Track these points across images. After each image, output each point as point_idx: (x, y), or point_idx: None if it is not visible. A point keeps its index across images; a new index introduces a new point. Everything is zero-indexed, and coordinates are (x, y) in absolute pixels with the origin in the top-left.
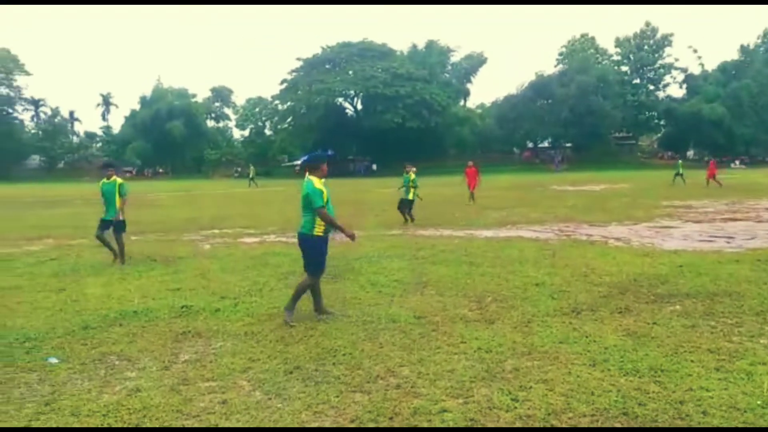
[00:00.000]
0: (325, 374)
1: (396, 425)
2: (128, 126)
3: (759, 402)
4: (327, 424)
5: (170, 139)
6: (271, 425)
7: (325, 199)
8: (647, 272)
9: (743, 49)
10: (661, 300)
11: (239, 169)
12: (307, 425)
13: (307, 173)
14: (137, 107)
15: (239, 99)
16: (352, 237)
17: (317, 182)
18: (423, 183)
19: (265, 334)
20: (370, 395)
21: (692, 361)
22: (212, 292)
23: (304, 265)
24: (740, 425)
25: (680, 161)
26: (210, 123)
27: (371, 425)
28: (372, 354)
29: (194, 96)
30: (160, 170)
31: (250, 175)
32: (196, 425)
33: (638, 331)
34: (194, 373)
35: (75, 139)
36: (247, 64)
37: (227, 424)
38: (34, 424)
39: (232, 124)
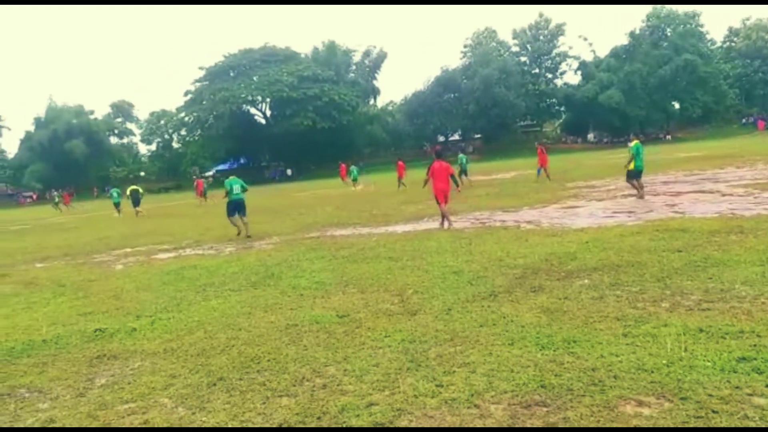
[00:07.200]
0: (249, 382)
1: (324, 425)
2: (24, 149)
3: (664, 361)
4: None
5: (71, 159)
6: None
7: None
8: (557, 251)
9: (632, 35)
10: (570, 276)
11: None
12: None
13: None
14: (32, 129)
15: (142, 113)
16: None
17: None
18: (338, 183)
19: (185, 349)
20: (297, 398)
21: (601, 329)
22: (127, 312)
23: None
24: (648, 385)
25: (461, 155)
26: (113, 140)
27: (299, 427)
28: (297, 357)
29: (92, 113)
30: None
31: (114, 200)
32: None
33: (551, 307)
34: (112, 397)
35: None
36: (147, 77)
37: None
38: None
39: (137, 139)
